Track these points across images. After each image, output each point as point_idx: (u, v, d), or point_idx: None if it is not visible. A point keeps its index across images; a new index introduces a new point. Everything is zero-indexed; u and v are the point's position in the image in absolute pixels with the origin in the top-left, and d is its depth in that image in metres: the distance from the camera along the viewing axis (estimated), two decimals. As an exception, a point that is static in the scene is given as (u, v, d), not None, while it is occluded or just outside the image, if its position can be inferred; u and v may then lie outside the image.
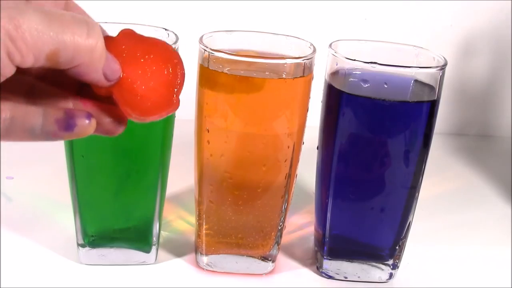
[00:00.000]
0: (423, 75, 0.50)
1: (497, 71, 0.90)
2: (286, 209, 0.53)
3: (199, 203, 0.53)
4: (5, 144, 0.73)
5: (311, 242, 0.59)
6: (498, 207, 0.72)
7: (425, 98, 0.50)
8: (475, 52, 0.88)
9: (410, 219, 0.53)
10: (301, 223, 0.63)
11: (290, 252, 0.58)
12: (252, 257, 0.54)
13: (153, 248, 0.54)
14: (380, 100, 0.49)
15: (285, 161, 0.50)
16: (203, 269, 0.55)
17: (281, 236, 0.54)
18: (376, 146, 0.51)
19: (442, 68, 0.50)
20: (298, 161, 0.52)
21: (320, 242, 0.55)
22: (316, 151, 0.55)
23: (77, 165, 0.50)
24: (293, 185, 0.53)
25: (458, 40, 0.87)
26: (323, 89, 0.53)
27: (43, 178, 0.67)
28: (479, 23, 0.87)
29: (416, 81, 0.51)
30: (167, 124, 0.51)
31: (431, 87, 0.50)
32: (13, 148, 0.73)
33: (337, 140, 0.51)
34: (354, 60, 0.49)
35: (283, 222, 0.54)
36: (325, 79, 0.52)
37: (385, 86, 0.50)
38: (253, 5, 0.82)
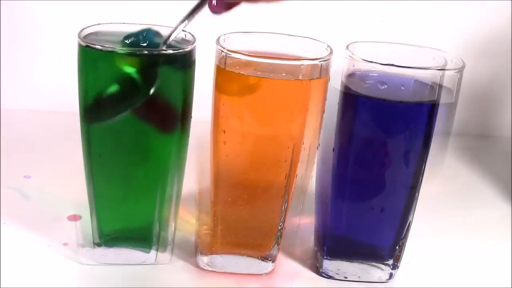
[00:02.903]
0: (440, 78, 0.50)
1: (497, 71, 0.90)
2: (286, 209, 0.53)
3: (213, 203, 0.52)
4: (22, 144, 0.73)
5: (311, 242, 0.59)
6: (498, 207, 0.72)
7: (443, 100, 0.50)
8: (475, 52, 0.88)
9: (410, 219, 0.53)
10: (301, 223, 0.63)
11: (290, 252, 0.58)
12: (252, 257, 0.54)
13: (153, 248, 0.54)
14: (396, 102, 0.49)
15: (300, 163, 0.50)
16: (203, 269, 0.55)
17: (281, 236, 0.54)
18: (384, 147, 0.50)
19: (460, 70, 0.50)
20: (313, 163, 0.52)
21: (320, 242, 0.55)
22: (315, 151, 0.55)
23: (94, 164, 0.50)
24: (308, 186, 0.53)
25: (458, 40, 0.87)
26: (339, 91, 0.52)
27: (60, 177, 0.66)
28: (479, 23, 0.87)
29: (433, 83, 0.50)
30: (185, 127, 0.50)
31: (448, 89, 0.50)
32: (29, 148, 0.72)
33: (348, 142, 0.51)
34: (371, 62, 0.49)
35: (283, 222, 0.54)
36: (342, 81, 0.52)
37: (402, 88, 0.50)
38: (270, 7, 0.82)
